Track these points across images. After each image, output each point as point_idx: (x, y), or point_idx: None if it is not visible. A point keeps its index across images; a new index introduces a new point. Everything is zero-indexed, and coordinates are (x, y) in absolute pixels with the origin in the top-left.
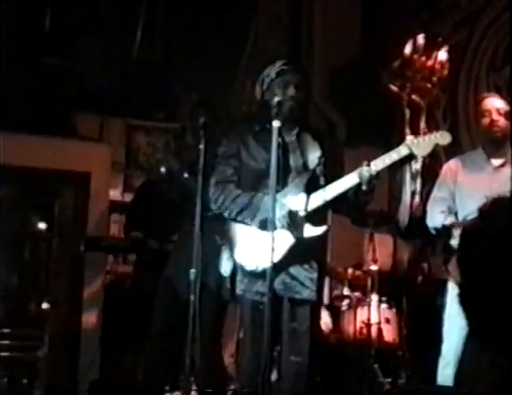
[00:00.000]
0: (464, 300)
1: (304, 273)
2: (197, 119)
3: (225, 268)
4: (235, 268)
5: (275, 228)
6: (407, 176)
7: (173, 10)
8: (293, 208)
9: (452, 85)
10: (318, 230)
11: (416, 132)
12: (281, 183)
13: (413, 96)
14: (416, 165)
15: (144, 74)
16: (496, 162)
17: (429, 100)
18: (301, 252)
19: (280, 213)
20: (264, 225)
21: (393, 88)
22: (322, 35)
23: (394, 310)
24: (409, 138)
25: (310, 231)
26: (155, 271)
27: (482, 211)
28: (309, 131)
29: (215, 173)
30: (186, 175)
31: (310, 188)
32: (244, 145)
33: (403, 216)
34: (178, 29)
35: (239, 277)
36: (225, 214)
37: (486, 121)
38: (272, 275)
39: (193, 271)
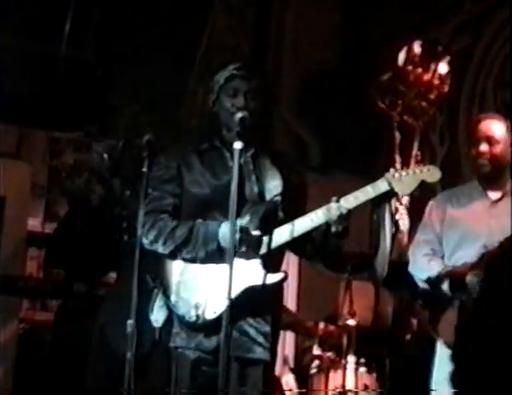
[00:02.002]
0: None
1: (255, 327)
2: (137, 134)
3: (157, 317)
4: (170, 318)
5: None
6: (387, 216)
7: (110, 2)
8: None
9: (452, 103)
10: (274, 277)
11: (406, 161)
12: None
13: (405, 117)
14: (399, 203)
15: (73, 78)
16: (494, 195)
17: (424, 122)
18: (254, 302)
19: (226, 235)
20: (212, 259)
21: (382, 106)
22: (293, 37)
23: (375, 375)
24: (391, 171)
25: (265, 278)
26: (83, 320)
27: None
28: (267, 153)
29: (147, 201)
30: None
31: (266, 224)
32: (186, 166)
33: (381, 264)
34: (116, 25)
35: (174, 330)
36: (160, 250)
37: (473, 151)
38: (227, 329)
39: (130, 322)
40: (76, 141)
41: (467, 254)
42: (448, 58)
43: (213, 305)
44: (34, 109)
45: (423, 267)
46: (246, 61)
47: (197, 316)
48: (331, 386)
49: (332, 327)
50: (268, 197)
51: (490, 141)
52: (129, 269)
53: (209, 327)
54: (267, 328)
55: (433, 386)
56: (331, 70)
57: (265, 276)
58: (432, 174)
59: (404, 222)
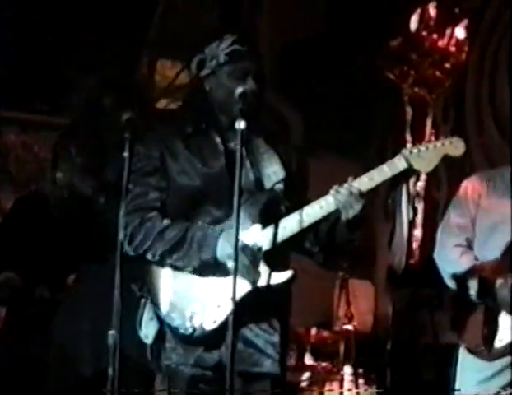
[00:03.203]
0: None
1: (263, 336)
2: (99, 112)
3: (147, 332)
4: (163, 332)
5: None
6: (404, 200)
7: None
8: (246, 243)
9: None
10: (281, 277)
11: (420, 139)
12: (225, 208)
13: (417, 89)
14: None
15: (19, 50)
16: None
17: (438, 95)
18: (258, 307)
19: (225, 251)
20: (206, 269)
21: (391, 77)
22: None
23: (375, 388)
24: (408, 147)
25: (270, 278)
26: (43, 330)
27: None
28: (259, 133)
29: (129, 198)
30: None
31: (267, 216)
32: (170, 155)
33: (399, 255)
34: None
35: (168, 345)
36: (148, 256)
37: None
38: (232, 339)
39: (112, 333)
40: (23, 120)
41: (499, 245)
42: (466, 22)
43: (212, 314)
44: None
45: (452, 260)
46: (242, 30)
47: (194, 328)
48: None
49: (326, 334)
50: (268, 185)
51: None
52: (94, 271)
53: (209, 340)
54: (276, 337)
55: None
56: (315, 37)
57: (270, 275)
58: (456, 146)
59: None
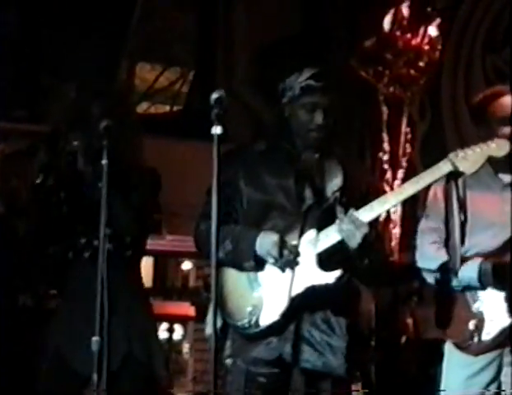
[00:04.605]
0: None
1: (319, 336)
2: (81, 120)
3: (211, 330)
4: (226, 327)
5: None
6: (454, 202)
7: None
8: (302, 245)
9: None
10: (329, 277)
11: (396, 139)
12: (293, 214)
13: (392, 88)
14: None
15: None
16: (507, 178)
17: (413, 93)
18: (314, 305)
19: (284, 251)
20: (254, 266)
21: (367, 77)
22: (246, 3)
23: (360, 385)
24: (455, 151)
25: (319, 277)
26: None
27: None
28: (333, 155)
29: (203, 205)
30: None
31: (325, 222)
32: (245, 171)
33: (454, 257)
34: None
35: (229, 342)
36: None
37: (505, 132)
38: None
39: (95, 339)
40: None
41: (479, 242)
42: (438, 20)
43: (269, 310)
44: None
45: (432, 256)
46: (322, 64)
47: (250, 323)
48: None
49: None
50: (329, 194)
51: None
52: (89, 279)
53: (268, 335)
54: (336, 340)
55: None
56: (291, 38)
57: (320, 274)
58: (501, 147)
59: (396, 210)
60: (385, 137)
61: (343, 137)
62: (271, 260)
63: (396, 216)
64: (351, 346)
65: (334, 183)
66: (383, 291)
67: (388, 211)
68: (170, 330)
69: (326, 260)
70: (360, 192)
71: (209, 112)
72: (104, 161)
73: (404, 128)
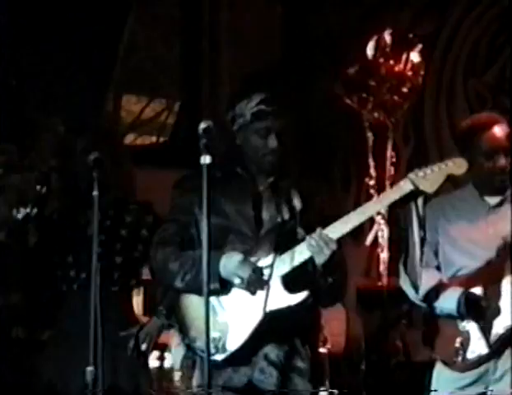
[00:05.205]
0: None
1: (286, 358)
2: (66, 155)
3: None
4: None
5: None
6: (415, 222)
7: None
8: (264, 268)
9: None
10: (297, 298)
11: (381, 164)
12: (252, 238)
13: (376, 114)
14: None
15: None
16: (492, 200)
17: (397, 119)
18: (279, 328)
19: (245, 273)
20: (218, 291)
21: (351, 103)
22: (229, 36)
23: None
24: (414, 171)
25: (285, 299)
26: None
27: None
28: (289, 178)
29: (158, 232)
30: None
31: (285, 244)
32: (200, 196)
33: (414, 273)
34: (25, 32)
35: (197, 371)
36: (167, 280)
37: (489, 166)
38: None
39: (90, 369)
40: None
41: (467, 265)
42: (420, 46)
43: (235, 335)
44: None
45: (414, 279)
46: (271, 88)
47: (217, 347)
48: None
49: None
50: (287, 216)
51: (506, 151)
52: (79, 311)
53: (235, 359)
54: (299, 360)
55: None
56: (274, 66)
57: (286, 297)
58: (459, 165)
59: (383, 234)
60: (371, 162)
61: (327, 164)
62: (237, 280)
63: (384, 241)
64: (316, 366)
65: (292, 206)
66: (372, 316)
67: (376, 236)
68: (161, 358)
69: (291, 282)
70: (319, 214)
71: (195, 142)
72: (95, 193)
73: (390, 153)
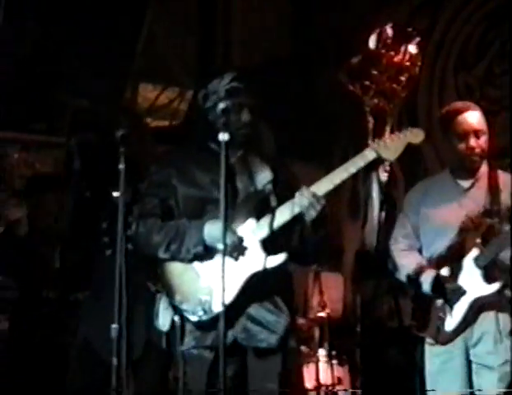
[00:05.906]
0: None
1: (269, 316)
2: (81, 132)
3: (164, 322)
4: (181, 320)
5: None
6: (375, 187)
7: None
8: (243, 234)
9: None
10: (276, 259)
11: None
12: (229, 207)
13: (377, 100)
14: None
15: (20, 78)
16: (465, 184)
17: (395, 105)
18: (263, 289)
19: (211, 234)
20: (202, 256)
21: (354, 90)
22: (242, 32)
23: (347, 367)
24: (375, 141)
25: (267, 261)
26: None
27: None
28: (256, 153)
29: (138, 206)
30: None
31: (261, 211)
32: (178, 171)
33: (370, 236)
34: (54, 19)
35: (187, 330)
36: (151, 252)
37: (461, 146)
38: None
39: (114, 326)
40: (23, 139)
41: (442, 246)
42: (417, 39)
43: (219, 297)
44: None
45: (401, 264)
46: (238, 67)
47: (205, 310)
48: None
49: (302, 321)
50: (259, 186)
51: (477, 134)
52: (112, 272)
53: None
54: (281, 316)
55: (427, 377)
56: (283, 56)
57: (266, 259)
58: (416, 134)
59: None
60: None
61: (328, 145)
62: (220, 246)
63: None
64: (294, 321)
65: (263, 177)
66: (368, 284)
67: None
68: None
69: (270, 245)
70: (288, 185)
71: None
72: (121, 166)
73: (387, 135)
